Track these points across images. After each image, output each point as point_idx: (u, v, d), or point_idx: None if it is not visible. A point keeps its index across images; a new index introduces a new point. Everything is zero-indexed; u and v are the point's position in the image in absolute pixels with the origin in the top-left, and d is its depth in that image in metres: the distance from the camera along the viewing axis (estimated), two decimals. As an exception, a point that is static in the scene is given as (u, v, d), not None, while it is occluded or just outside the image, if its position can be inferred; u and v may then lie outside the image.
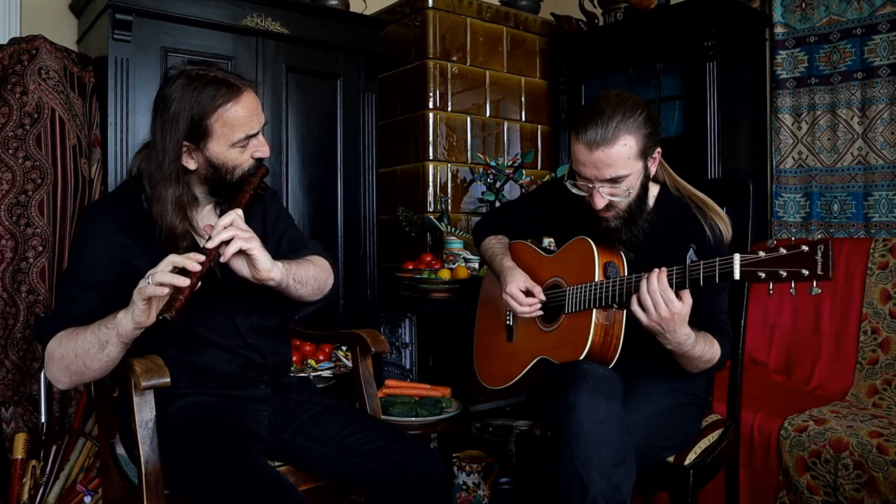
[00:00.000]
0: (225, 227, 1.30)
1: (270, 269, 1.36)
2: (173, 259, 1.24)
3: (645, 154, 1.52)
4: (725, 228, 1.56)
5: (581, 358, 1.52)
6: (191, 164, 1.40)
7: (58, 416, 2.19)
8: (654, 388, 1.58)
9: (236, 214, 1.33)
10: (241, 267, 1.36)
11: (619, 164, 1.48)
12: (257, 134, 1.43)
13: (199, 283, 1.26)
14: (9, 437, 2.09)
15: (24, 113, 2.15)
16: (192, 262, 1.24)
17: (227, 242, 1.30)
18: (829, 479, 1.86)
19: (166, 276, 1.22)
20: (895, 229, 2.49)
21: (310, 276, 1.51)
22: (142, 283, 1.23)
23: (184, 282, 1.22)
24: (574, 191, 1.57)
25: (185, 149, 1.38)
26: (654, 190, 1.66)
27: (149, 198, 1.40)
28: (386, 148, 2.98)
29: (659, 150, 1.58)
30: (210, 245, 1.29)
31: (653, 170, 1.59)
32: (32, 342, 2.16)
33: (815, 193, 2.69)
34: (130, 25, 2.17)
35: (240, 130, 1.38)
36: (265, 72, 2.46)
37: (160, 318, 1.21)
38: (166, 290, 1.21)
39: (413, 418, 2.08)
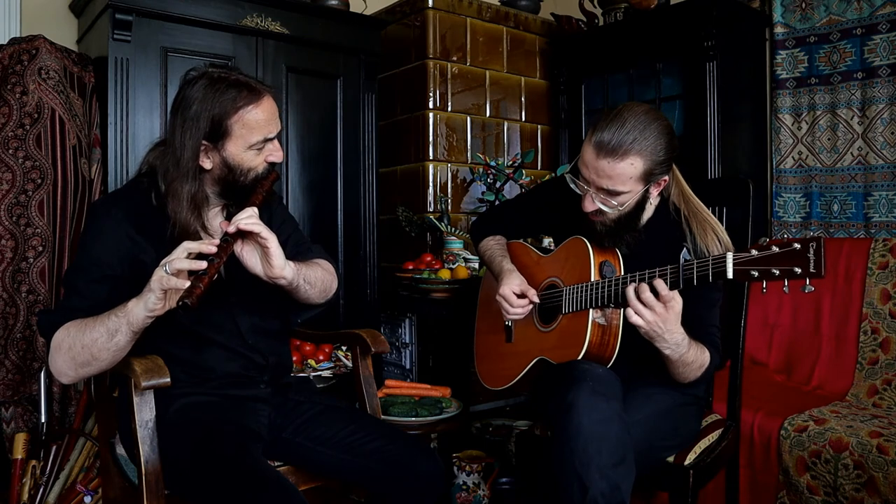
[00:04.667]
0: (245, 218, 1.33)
1: (283, 267, 1.38)
2: (188, 245, 1.26)
3: (649, 178, 1.49)
4: (719, 252, 1.47)
5: (579, 358, 1.52)
6: (206, 164, 1.42)
7: (58, 416, 2.19)
8: (654, 387, 1.58)
9: (253, 210, 1.35)
10: (254, 264, 1.38)
11: (620, 180, 1.47)
12: (274, 138, 1.45)
13: (217, 275, 1.28)
14: (9, 437, 2.10)
15: (24, 113, 2.15)
16: (208, 245, 1.26)
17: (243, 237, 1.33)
18: (829, 479, 1.86)
19: (184, 262, 1.23)
20: (895, 229, 2.49)
21: (318, 278, 1.53)
22: (160, 273, 1.24)
23: (201, 265, 1.23)
24: (571, 186, 1.57)
25: (202, 148, 1.40)
26: (653, 203, 1.63)
27: (163, 194, 1.41)
28: (386, 148, 2.98)
29: (666, 178, 1.55)
30: (231, 229, 1.31)
31: (654, 193, 1.57)
32: (32, 342, 2.16)
33: (815, 193, 2.69)
34: (130, 25, 2.17)
35: (258, 133, 1.41)
36: (265, 72, 2.46)
37: (180, 303, 1.22)
38: (187, 283, 1.22)
39: (413, 418, 2.08)
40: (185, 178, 1.39)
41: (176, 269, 1.23)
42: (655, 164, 1.47)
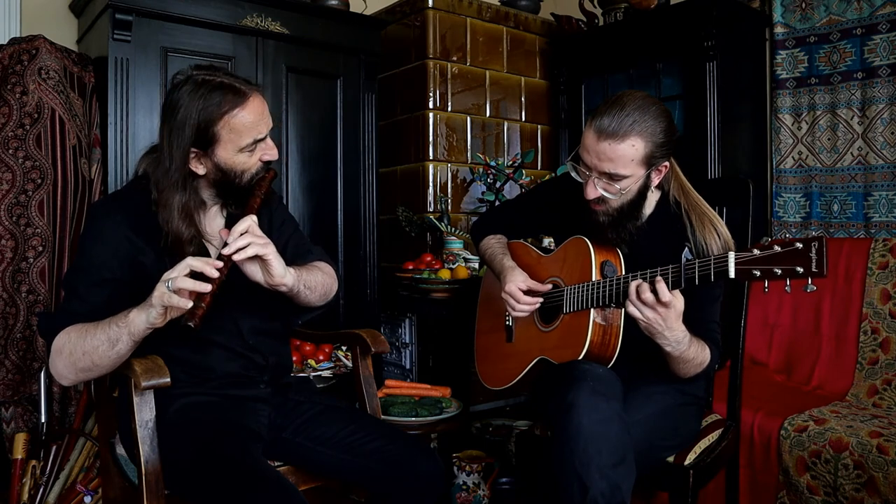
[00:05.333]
0: (241, 234, 1.32)
1: (284, 276, 1.38)
2: (191, 263, 1.25)
3: (650, 163, 1.50)
4: (719, 248, 1.49)
5: (580, 358, 1.52)
6: (199, 170, 1.41)
7: (58, 416, 2.19)
8: (654, 387, 1.58)
9: (251, 220, 1.35)
10: (254, 272, 1.37)
11: (621, 162, 1.47)
12: (265, 138, 1.43)
13: (217, 290, 1.28)
14: (9, 437, 2.10)
15: (24, 113, 2.15)
16: (211, 268, 1.25)
17: (242, 248, 1.32)
18: (829, 479, 1.86)
19: (187, 282, 1.23)
20: (895, 229, 2.49)
21: (318, 283, 1.52)
22: (162, 289, 1.23)
23: (204, 287, 1.23)
24: (573, 174, 1.57)
25: (192, 154, 1.39)
26: (654, 196, 1.64)
27: (156, 202, 1.40)
28: (386, 148, 2.98)
29: (667, 164, 1.55)
30: (227, 251, 1.31)
31: (655, 181, 1.57)
32: (32, 342, 2.16)
33: (815, 193, 2.69)
34: (130, 25, 2.17)
35: (247, 136, 1.39)
36: (265, 72, 2.46)
37: (183, 326, 1.23)
38: (190, 304, 1.22)
39: (413, 418, 2.08)
40: (174, 188, 1.38)
41: (178, 288, 1.23)
42: (656, 147, 1.48)
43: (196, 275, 1.25)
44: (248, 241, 1.31)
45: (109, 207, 1.45)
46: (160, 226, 1.39)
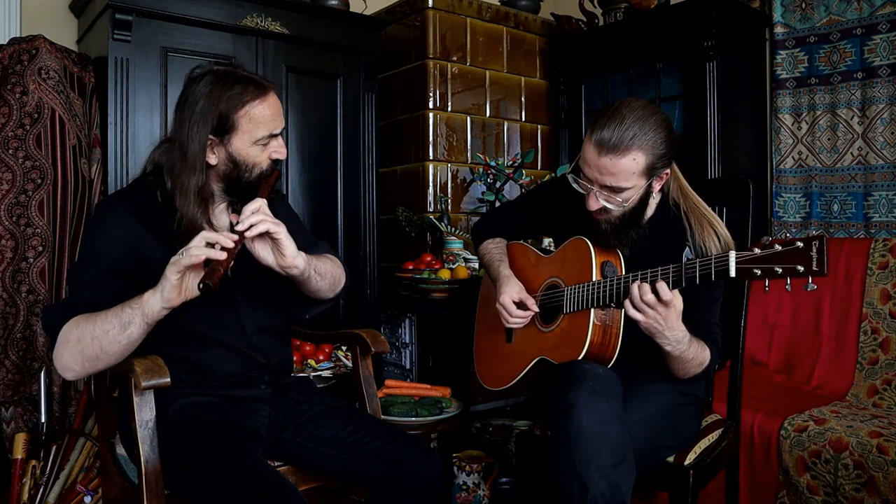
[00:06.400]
0: (253, 212, 1.34)
1: (296, 256, 1.39)
2: (206, 235, 1.26)
3: (652, 173, 1.50)
4: (718, 250, 1.48)
5: (580, 358, 1.52)
6: (212, 160, 1.42)
7: (58, 416, 2.19)
8: (654, 387, 1.58)
9: (262, 202, 1.36)
10: (266, 255, 1.38)
11: (623, 176, 1.47)
12: (278, 135, 1.46)
13: (232, 262, 1.28)
14: (9, 437, 2.10)
15: (24, 113, 2.15)
16: (226, 239, 1.27)
17: (254, 225, 1.34)
18: (829, 479, 1.86)
19: (202, 250, 1.24)
20: (895, 229, 2.49)
21: (328, 270, 1.54)
22: (175, 258, 1.24)
23: (220, 255, 1.24)
24: (574, 186, 1.57)
25: (208, 143, 1.40)
26: (655, 199, 1.64)
27: (169, 190, 1.41)
28: (386, 148, 2.98)
29: (668, 172, 1.55)
30: (240, 227, 1.32)
31: (657, 187, 1.57)
32: (32, 342, 2.16)
33: (815, 193, 2.69)
34: (130, 25, 2.17)
35: (264, 128, 1.41)
36: (265, 72, 2.45)
37: (201, 285, 1.22)
38: (203, 258, 1.23)
39: (413, 418, 2.08)
40: (192, 171, 1.38)
41: (192, 255, 1.23)
42: (657, 158, 1.48)
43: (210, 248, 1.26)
44: (261, 217, 1.33)
45: (114, 204, 1.45)
46: (167, 220, 1.39)
